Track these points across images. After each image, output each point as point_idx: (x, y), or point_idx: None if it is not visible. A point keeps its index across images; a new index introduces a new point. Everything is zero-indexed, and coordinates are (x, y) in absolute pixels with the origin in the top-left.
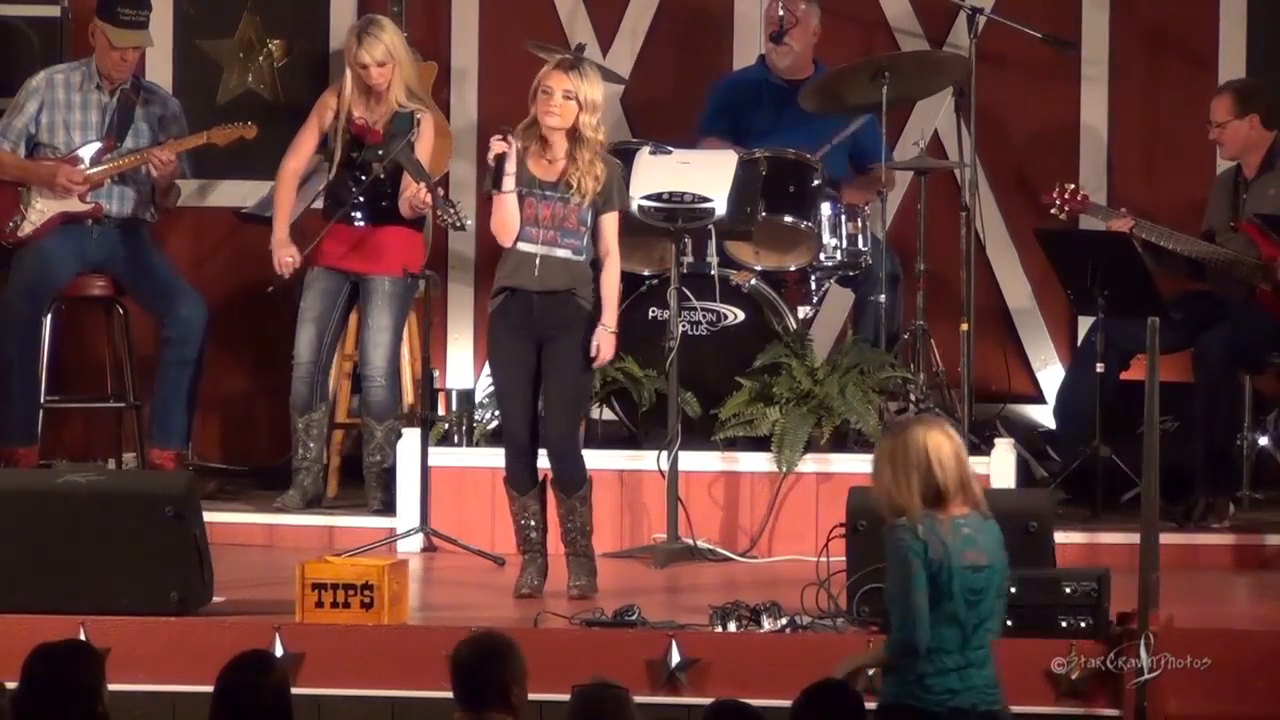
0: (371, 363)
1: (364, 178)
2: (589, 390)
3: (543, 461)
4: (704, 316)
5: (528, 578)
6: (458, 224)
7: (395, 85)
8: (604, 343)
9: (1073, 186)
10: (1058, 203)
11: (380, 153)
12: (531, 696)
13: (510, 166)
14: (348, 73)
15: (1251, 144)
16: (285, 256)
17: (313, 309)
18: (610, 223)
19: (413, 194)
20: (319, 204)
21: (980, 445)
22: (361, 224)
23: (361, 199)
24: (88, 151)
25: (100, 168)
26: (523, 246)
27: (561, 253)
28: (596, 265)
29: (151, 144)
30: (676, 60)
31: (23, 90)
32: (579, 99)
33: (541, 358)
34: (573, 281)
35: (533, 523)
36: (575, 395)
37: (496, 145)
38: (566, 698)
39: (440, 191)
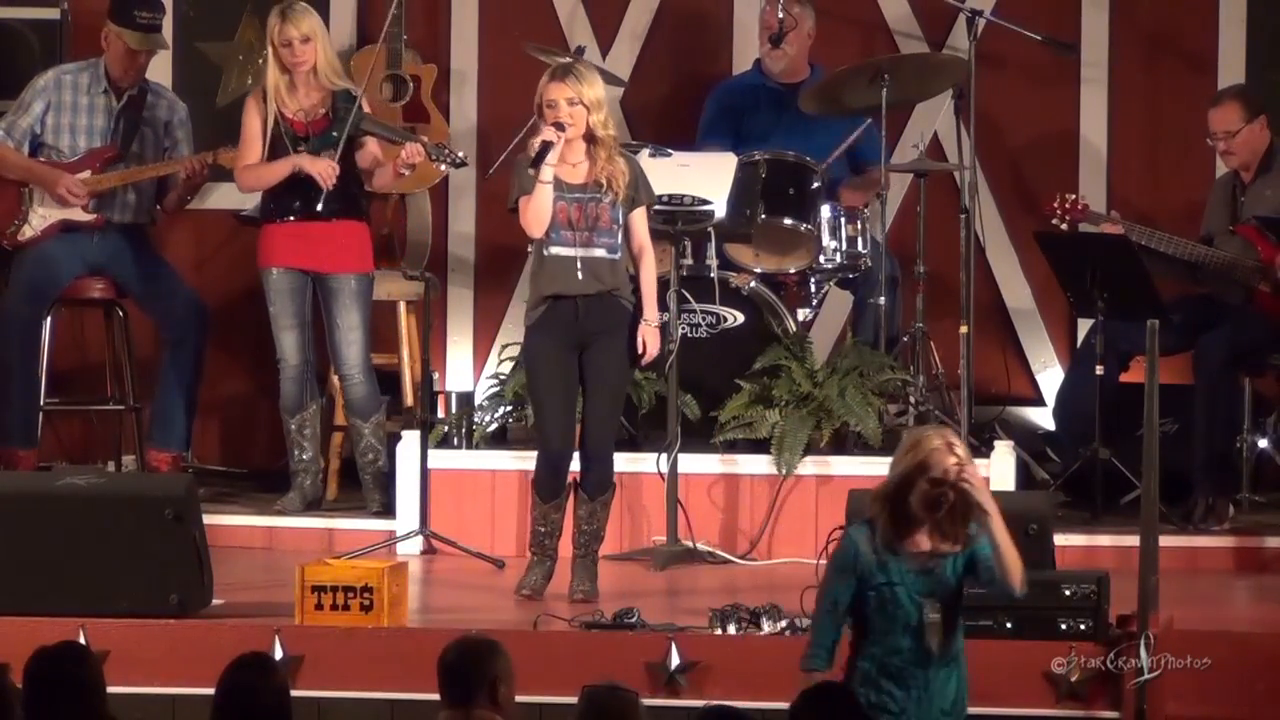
0: (347, 361)
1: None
2: (626, 393)
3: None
4: (703, 319)
5: (532, 578)
6: (457, 161)
7: (321, 65)
8: (649, 337)
9: (1073, 196)
10: (1059, 212)
11: (335, 134)
12: (531, 699)
13: (553, 158)
14: (270, 71)
15: (1260, 147)
16: (325, 168)
17: (286, 313)
18: (641, 218)
19: (404, 155)
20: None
21: (980, 447)
22: (309, 221)
23: (303, 195)
24: (85, 161)
25: (104, 177)
26: (559, 251)
27: (598, 252)
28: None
29: (156, 151)
30: (676, 63)
31: (30, 89)
32: (583, 102)
33: (583, 362)
34: (614, 281)
35: (550, 529)
36: (618, 401)
37: (547, 133)
38: (566, 700)
39: (424, 138)
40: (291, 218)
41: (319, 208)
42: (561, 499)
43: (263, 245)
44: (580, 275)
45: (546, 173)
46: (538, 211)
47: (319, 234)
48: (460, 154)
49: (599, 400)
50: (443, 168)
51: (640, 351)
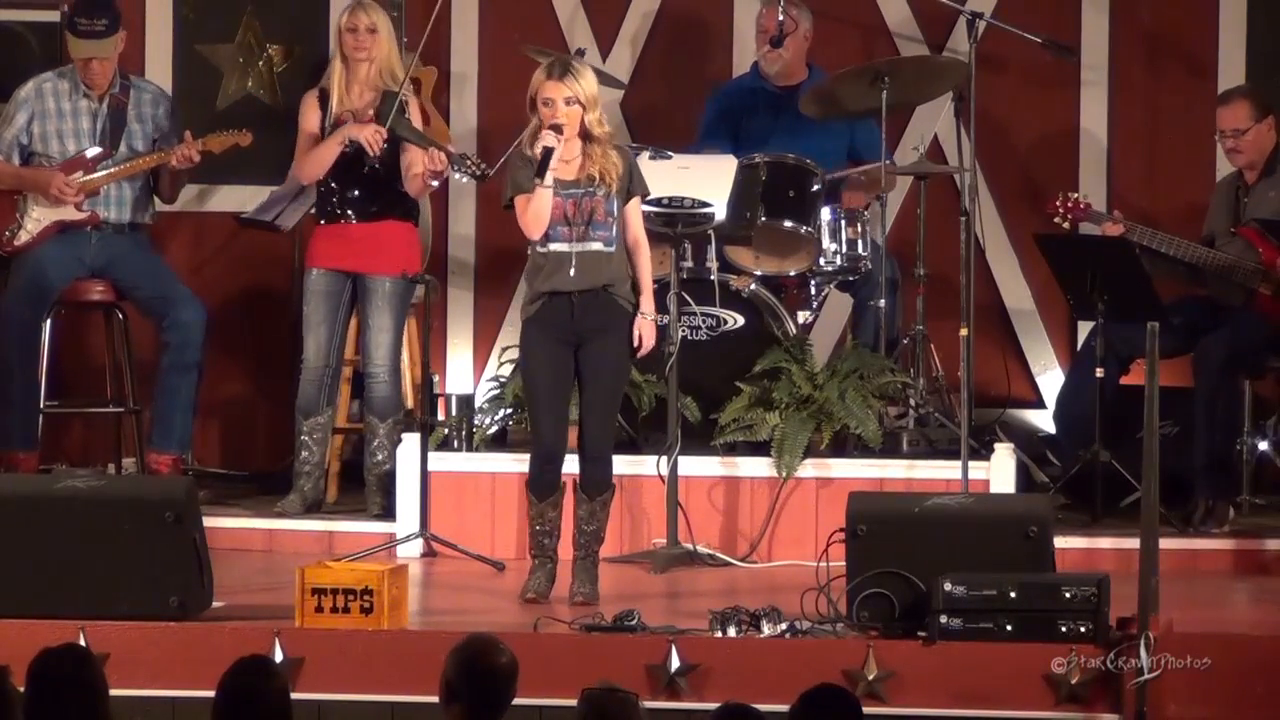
0: (374, 360)
1: (363, 170)
2: (623, 393)
3: (568, 465)
4: (704, 321)
5: (536, 581)
6: (478, 173)
7: (378, 61)
8: (646, 331)
9: (1075, 195)
10: (1061, 211)
11: None
12: (532, 701)
13: (555, 162)
14: (335, 64)
15: (1266, 147)
16: (371, 133)
17: (318, 313)
18: (636, 209)
19: (428, 161)
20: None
21: (980, 450)
22: (357, 221)
23: (356, 194)
24: (90, 154)
25: (96, 175)
26: (556, 247)
27: (594, 245)
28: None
29: (147, 145)
30: (676, 66)
31: (12, 101)
32: (580, 100)
33: (579, 360)
34: (610, 276)
35: (548, 528)
36: (614, 399)
37: (547, 138)
38: (567, 702)
39: (449, 148)
40: (332, 219)
41: (357, 198)
42: (557, 496)
43: (309, 245)
44: (573, 272)
45: (549, 176)
46: (538, 214)
47: (359, 235)
48: (484, 165)
49: (595, 399)
50: (461, 178)
51: (637, 345)
